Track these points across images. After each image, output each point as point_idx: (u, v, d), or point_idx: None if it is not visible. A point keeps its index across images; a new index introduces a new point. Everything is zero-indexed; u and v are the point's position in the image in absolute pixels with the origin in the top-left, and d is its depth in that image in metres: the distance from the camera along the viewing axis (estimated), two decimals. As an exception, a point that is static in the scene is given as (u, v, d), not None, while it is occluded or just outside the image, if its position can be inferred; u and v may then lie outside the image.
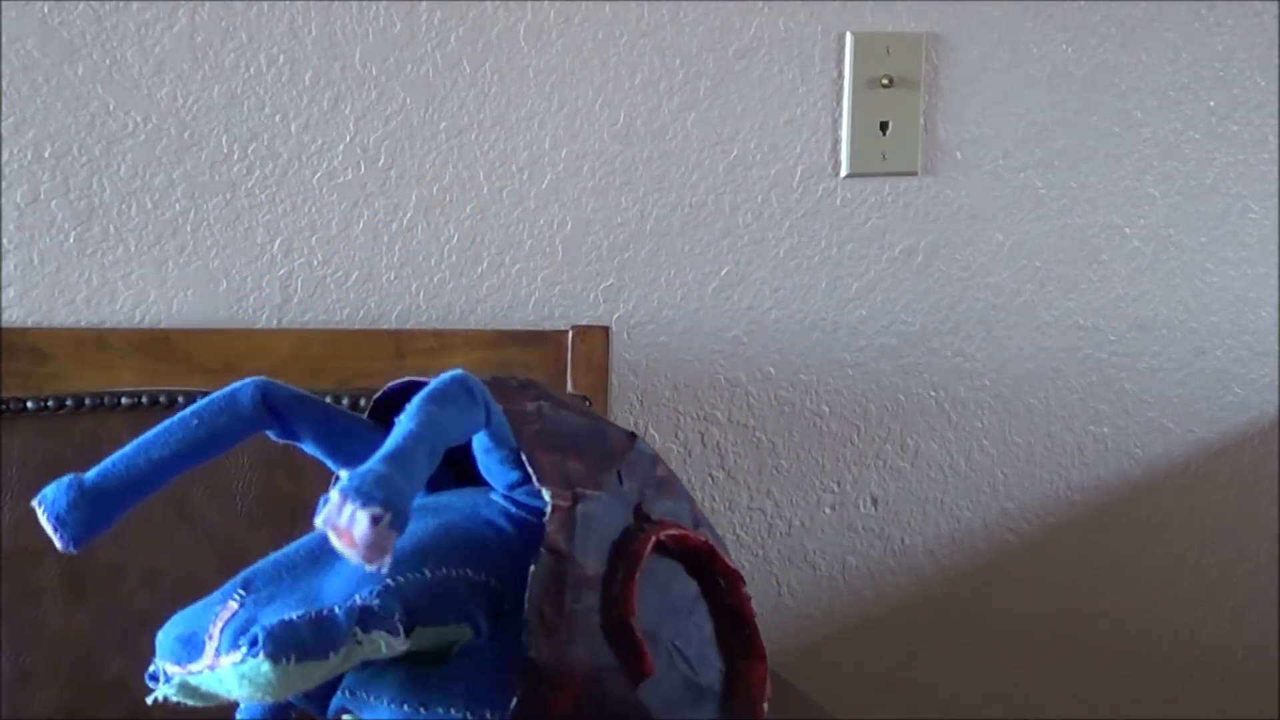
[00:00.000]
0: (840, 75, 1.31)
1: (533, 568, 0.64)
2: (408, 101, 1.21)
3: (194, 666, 0.64)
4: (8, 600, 1.06)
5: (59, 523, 0.68)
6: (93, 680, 1.07)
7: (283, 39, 1.18)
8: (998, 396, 1.42)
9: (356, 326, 1.23)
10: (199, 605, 0.68)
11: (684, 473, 1.34)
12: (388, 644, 0.62)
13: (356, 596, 0.63)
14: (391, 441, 0.61)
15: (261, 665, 0.61)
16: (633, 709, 0.66)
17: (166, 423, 0.69)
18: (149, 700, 0.66)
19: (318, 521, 0.58)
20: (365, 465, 0.59)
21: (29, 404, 1.08)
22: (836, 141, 1.32)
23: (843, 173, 1.33)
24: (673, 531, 0.70)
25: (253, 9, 1.17)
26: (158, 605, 1.08)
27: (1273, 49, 1.43)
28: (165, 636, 0.66)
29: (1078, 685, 1.51)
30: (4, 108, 1.13)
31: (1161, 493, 1.49)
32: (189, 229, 1.18)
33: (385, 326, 1.23)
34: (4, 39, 1.12)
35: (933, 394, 1.40)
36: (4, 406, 1.08)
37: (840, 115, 1.32)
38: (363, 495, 0.57)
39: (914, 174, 1.35)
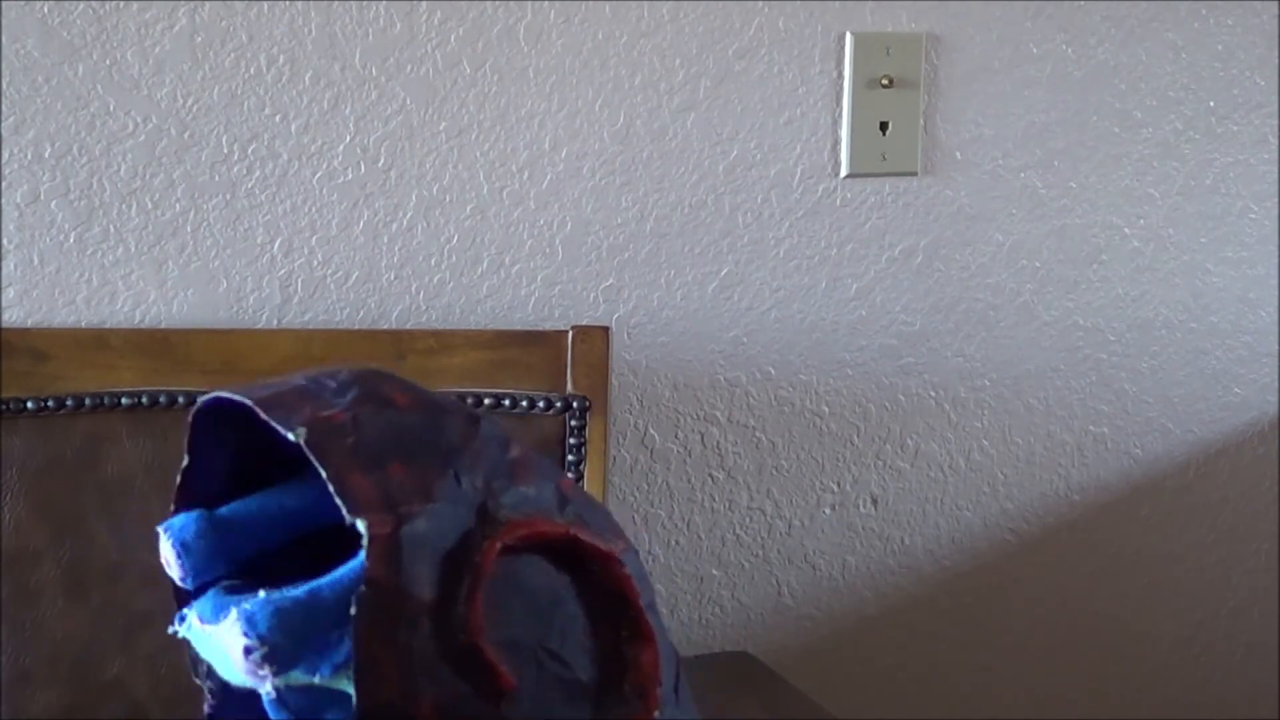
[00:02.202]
0: (840, 75, 1.31)
1: (352, 609, 0.59)
2: (408, 101, 1.21)
3: (209, 628, 0.66)
4: (8, 600, 1.06)
5: (183, 549, 0.67)
6: (93, 680, 1.07)
7: (283, 39, 1.18)
8: (998, 396, 1.42)
9: (356, 326, 1.23)
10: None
11: (684, 473, 1.34)
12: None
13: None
14: (331, 577, 0.62)
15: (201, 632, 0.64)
16: None
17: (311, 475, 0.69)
18: (169, 630, 0.68)
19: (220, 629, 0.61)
20: (287, 591, 0.61)
21: (29, 404, 1.08)
22: (836, 141, 1.32)
23: (843, 173, 1.33)
24: (522, 532, 0.65)
25: (253, 9, 1.17)
26: (158, 605, 1.08)
27: (1273, 49, 1.43)
28: (207, 599, 0.68)
29: (1077, 685, 1.51)
30: (4, 108, 1.13)
31: (1161, 493, 1.49)
32: (189, 229, 1.18)
33: (385, 326, 1.23)
34: (4, 39, 1.12)
35: (933, 394, 1.40)
36: (4, 406, 1.08)
37: (840, 115, 1.32)
38: (251, 623, 0.60)
39: (914, 174, 1.35)
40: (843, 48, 1.31)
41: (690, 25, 1.27)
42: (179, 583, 0.67)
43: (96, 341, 1.12)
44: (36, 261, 1.16)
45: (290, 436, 0.62)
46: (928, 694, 1.46)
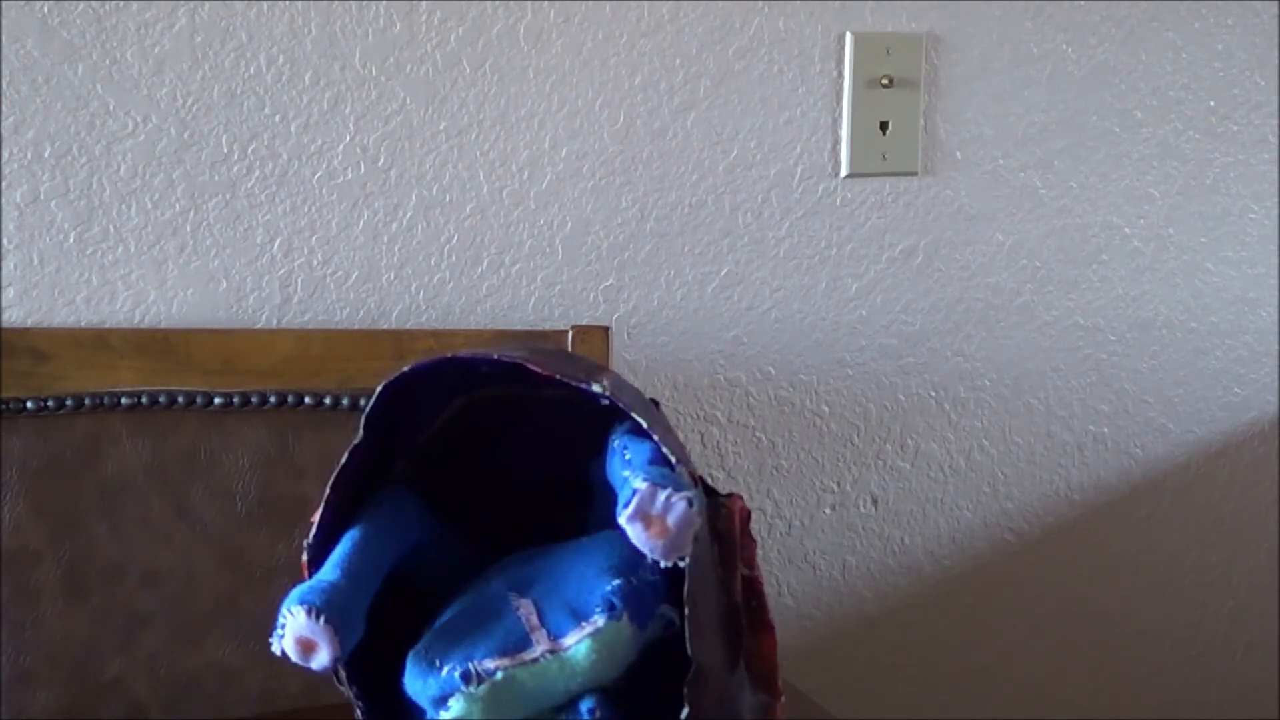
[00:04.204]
0: (840, 75, 1.31)
1: (685, 561, 0.60)
2: (408, 101, 1.21)
3: (527, 655, 0.62)
4: (8, 600, 1.06)
5: (336, 613, 0.62)
6: (93, 680, 1.07)
7: (283, 39, 1.18)
8: (998, 396, 1.42)
9: (356, 326, 1.23)
10: (450, 630, 0.65)
11: (684, 473, 1.34)
12: (653, 630, 0.63)
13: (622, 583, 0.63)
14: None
15: (623, 628, 0.61)
16: (732, 697, 0.65)
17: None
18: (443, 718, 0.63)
19: (623, 517, 0.59)
20: (655, 470, 0.61)
21: (29, 404, 1.08)
22: (836, 141, 1.32)
23: (843, 173, 1.33)
24: (740, 503, 0.68)
25: (253, 9, 1.17)
26: (158, 605, 1.08)
27: (1273, 49, 1.43)
28: (460, 648, 0.64)
29: (1077, 685, 1.51)
30: (4, 108, 1.13)
31: (1161, 493, 1.49)
32: (189, 229, 1.18)
33: (385, 326, 1.23)
34: (4, 39, 1.12)
35: (933, 394, 1.40)
36: (4, 406, 1.08)
37: (840, 115, 1.32)
38: (675, 484, 0.59)
39: (914, 174, 1.35)
40: (843, 48, 1.31)
41: (690, 25, 1.27)
42: (330, 660, 0.62)
43: (96, 341, 1.12)
44: (36, 261, 1.16)
45: (595, 389, 0.64)
46: (928, 694, 1.46)
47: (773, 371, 1.35)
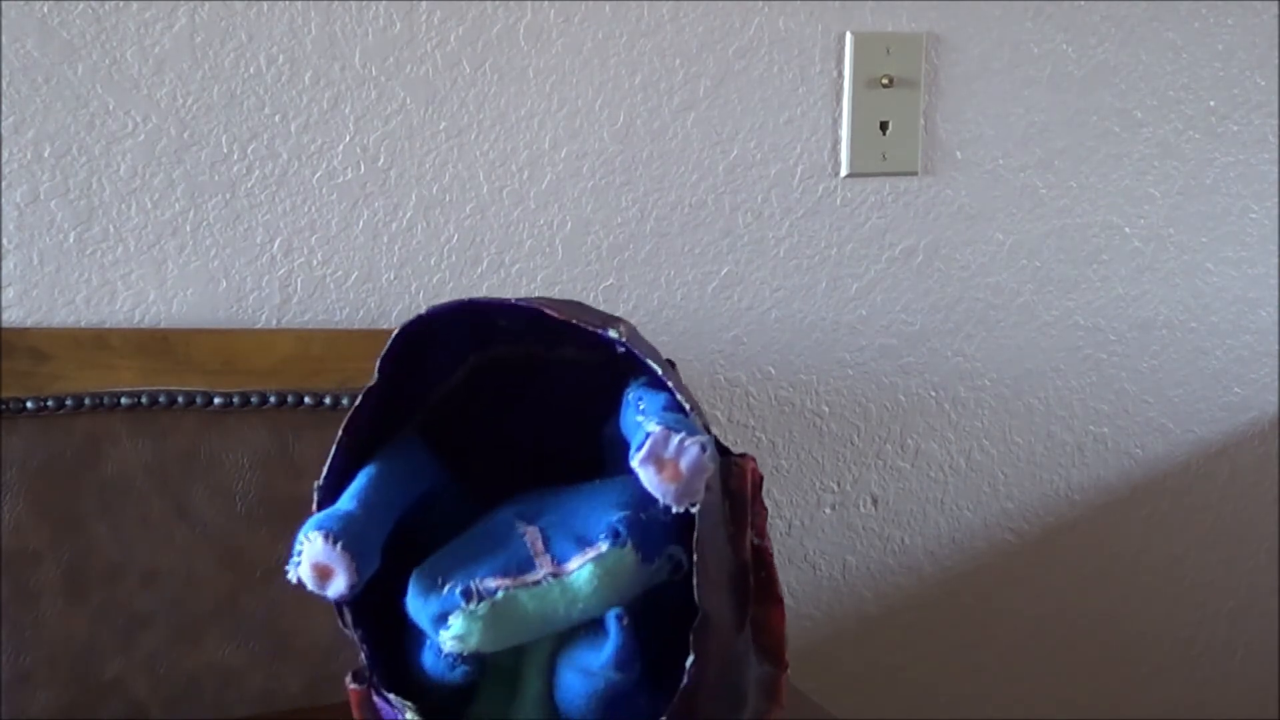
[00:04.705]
0: (840, 75, 1.31)
1: (696, 508, 0.59)
2: (408, 101, 1.21)
3: (529, 577, 0.62)
4: (8, 600, 1.06)
5: (353, 541, 0.61)
6: (93, 680, 1.07)
7: (283, 39, 1.18)
8: (998, 396, 1.42)
9: (356, 326, 1.23)
10: (454, 552, 0.64)
11: (684, 473, 1.34)
12: (660, 567, 0.62)
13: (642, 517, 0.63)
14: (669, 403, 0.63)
15: (626, 555, 0.60)
16: (738, 660, 0.64)
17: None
18: (445, 641, 0.62)
19: (635, 459, 0.58)
20: (669, 415, 0.60)
21: (29, 404, 1.08)
22: (836, 141, 1.32)
23: (843, 173, 1.33)
24: (754, 464, 0.67)
25: (253, 9, 1.17)
26: (157, 605, 1.08)
27: (1273, 49, 1.43)
28: (463, 568, 0.62)
29: (1077, 685, 1.51)
30: (4, 108, 1.13)
31: (1161, 493, 1.49)
32: (189, 229, 1.18)
33: (385, 326, 1.23)
34: (4, 39, 1.12)
35: (933, 394, 1.40)
36: (4, 406, 1.08)
37: (840, 115, 1.32)
38: (689, 429, 0.58)
39: (914, 174, 1.35)
40: (843, 48, 1.31)
41: (690, 25, 1.27)
42: (346, 586, 0.61)
43: (96, 341, 1.12)
44: (36, 261, 1.16)
45: (612, 334, 0.64)
46: (928, 694, 1.46)
47: (773, 371, 1.35)
